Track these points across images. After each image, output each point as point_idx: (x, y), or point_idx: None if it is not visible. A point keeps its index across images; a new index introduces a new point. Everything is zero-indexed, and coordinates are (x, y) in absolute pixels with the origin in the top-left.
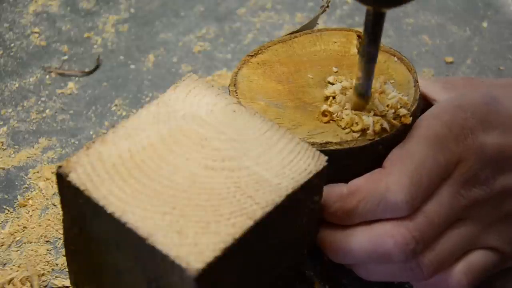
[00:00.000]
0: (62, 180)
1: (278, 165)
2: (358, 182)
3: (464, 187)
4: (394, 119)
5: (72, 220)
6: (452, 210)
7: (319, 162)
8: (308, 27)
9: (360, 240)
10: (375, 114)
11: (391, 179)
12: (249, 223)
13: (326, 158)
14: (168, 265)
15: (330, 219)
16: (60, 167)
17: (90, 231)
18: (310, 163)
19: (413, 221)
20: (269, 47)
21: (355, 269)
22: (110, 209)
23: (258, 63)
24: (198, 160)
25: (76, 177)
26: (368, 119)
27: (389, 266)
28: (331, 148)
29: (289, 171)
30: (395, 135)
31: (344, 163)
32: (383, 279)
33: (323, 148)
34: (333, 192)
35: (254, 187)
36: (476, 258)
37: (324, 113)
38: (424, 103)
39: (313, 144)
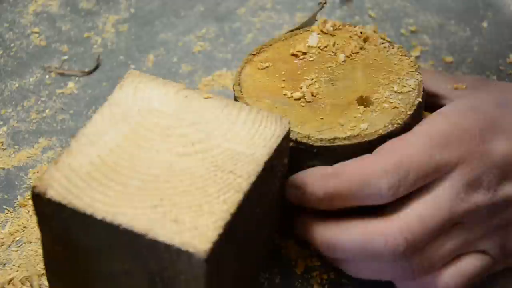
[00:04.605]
0: (40, 199)
1: (247, 137)
2: (344, 163)
3: (465, 191)
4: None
5: (53, 239)
6: (449, 214)
7: (283, 125)
8: (307, 24)
9: (351, 236)
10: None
11: (379, 164)
12: (239, 196)
13: (288, 120)
14: (174, 255)
15: (309, 203)
16: (34, 187)
17: (77, 245)
18: (275, 128)
19: (406, 223)
20: (271, 45)
21: (343, 266)
22: (99, 215)
23: (261, 62)
24: (169, 150)
25: (55, 193)
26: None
27: (379, 264)
28: (340, 143)
29: (259, 139)
30: (405, 130)
31: (354, 157)
32: (372, 276)
33: (331, 144)
34: (317, 171)
35: (231, 162)
36: (468, 263)
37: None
38: (427, 96)
39: (321, 140)
